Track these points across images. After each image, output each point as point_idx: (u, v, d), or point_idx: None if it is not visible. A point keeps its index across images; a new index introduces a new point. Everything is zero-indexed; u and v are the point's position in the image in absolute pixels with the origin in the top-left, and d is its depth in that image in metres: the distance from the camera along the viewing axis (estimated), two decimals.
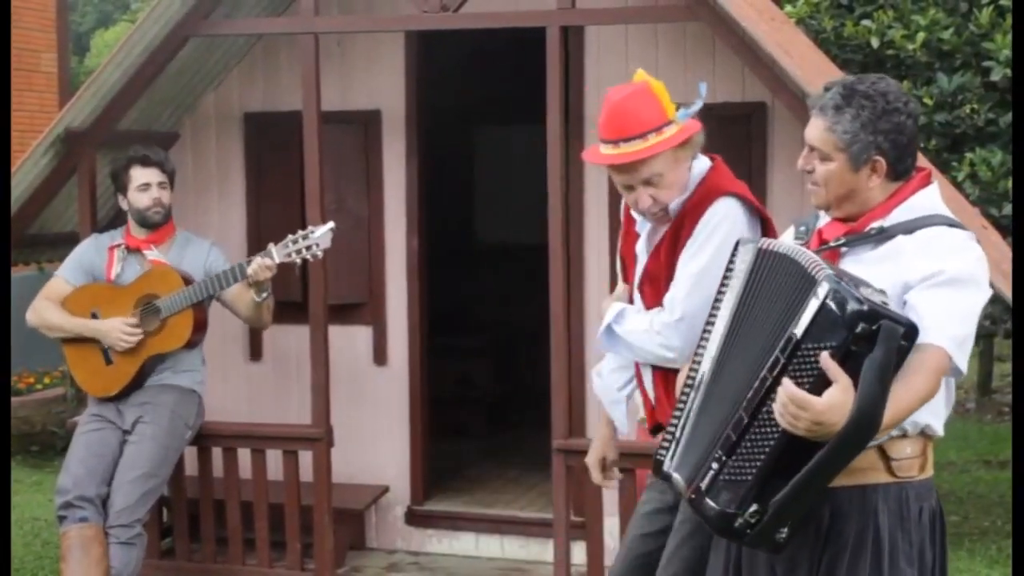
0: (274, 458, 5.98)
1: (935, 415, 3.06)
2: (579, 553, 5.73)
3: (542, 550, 6.40)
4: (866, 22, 7.38)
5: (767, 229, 3.63)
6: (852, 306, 2.74)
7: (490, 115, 9.67)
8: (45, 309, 5.62)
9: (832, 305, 2.75)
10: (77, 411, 7.26)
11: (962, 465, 9.59)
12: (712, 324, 3.09)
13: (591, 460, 4.07)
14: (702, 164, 3.67)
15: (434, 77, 6.92)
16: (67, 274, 5.69)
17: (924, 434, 3.07)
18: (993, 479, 8.84)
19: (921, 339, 2.85)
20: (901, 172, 3.10)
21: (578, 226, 6.29)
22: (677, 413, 3.12)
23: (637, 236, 3.78)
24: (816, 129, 3.09)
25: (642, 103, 3.59)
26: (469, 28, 5.86)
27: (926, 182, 3.13)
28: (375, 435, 6.65)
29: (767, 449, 2.85)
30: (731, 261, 3.12)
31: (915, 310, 2.90)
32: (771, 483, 2.83)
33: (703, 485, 2.94)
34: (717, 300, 3.11)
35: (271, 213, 6.67)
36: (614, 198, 6.28)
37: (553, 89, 5.51)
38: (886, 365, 2.75)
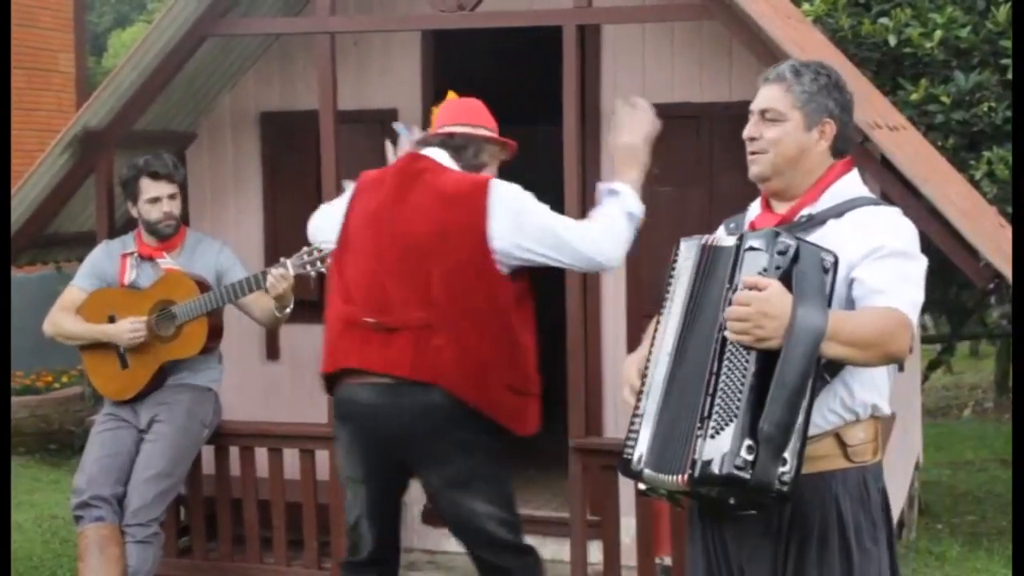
0: (291, 457, 5.99)
1: (881, 395, 3.16)
2: (596, 552, 5.72)
3: (559, 549, 6.39)
4: (883, 20, 7.37)
5: None
6: (767, 236, 2.98)
7: (506, 114, 9.65)
8: (61, 319, 5.64)
9: (752, 242, 2.99)
10: (95, 410, 7.27)
11: (980, 464, 9.58)
12: (660, 323, 3.18)
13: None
14: None
15: (450, 76, 6.92)
16: (81, 282, 5.70)
17: (874, 417, 3.16)
18: (1011, 478, 8.81)
19: (875, 303, 2.98)
20: (840, 149, 3.24)
21: None
22: (637, 412, 3.13)
23: None
24: (769, 92, 3.25)
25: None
26: (485, 27, 5.85)
27: (849, 167, 3.26)
28: None
29: (741, 387, 2.91)
30: (673, 259, 3.21)
31: (865, 283, 3.02)
32: (754, 417, 2.88)
33: (697, 457, 2.92)
34: (664, 298, 3.19)
35: (287, 213, 6.68)
36: None
37: (569, 88, 5.50)
38: (813, 271, 2.92)
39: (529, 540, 6.58)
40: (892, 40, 7.26)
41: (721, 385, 2.94)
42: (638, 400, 3.14)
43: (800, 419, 2.91)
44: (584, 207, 5.83)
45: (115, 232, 6.08)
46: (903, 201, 5.41)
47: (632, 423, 3.13)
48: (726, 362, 2.94)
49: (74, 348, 5.80)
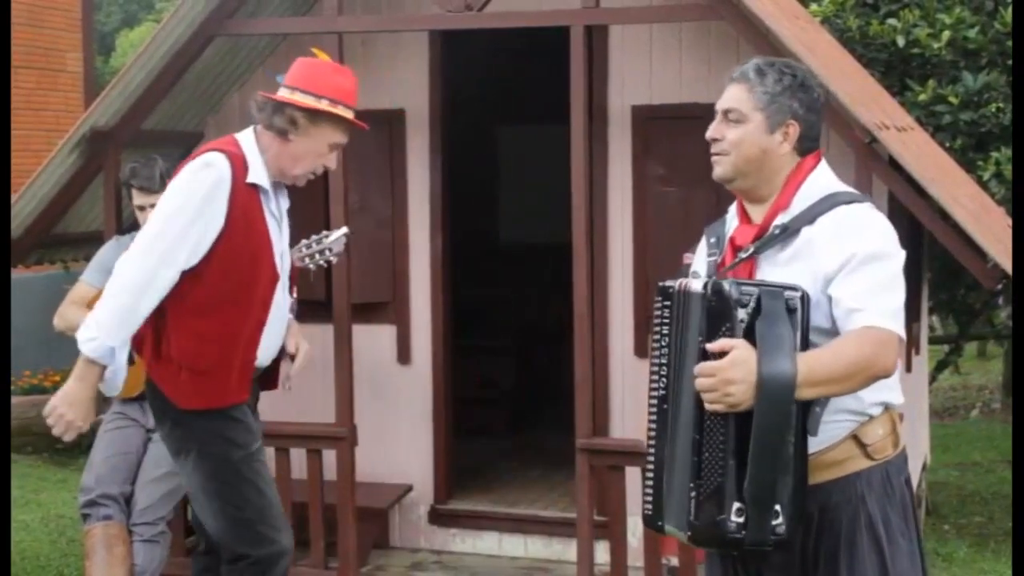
0: (298, 457, 5.99)
1: (890, 389, 3.13)
2: (602, 552, 5.72)
3: (565, 549, 6.40)
4: (891, 21, 7.36)
5: None
6: (727, 286, 2.93)
7: (514, 114, 9.66)
8: (70, 314, 5.64)
9: (714, 297, 2.94)
10: (102, 409, 7.28)
11: (987, 465, 9.57)
12: (656, 375, 3.14)
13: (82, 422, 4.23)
14: None
15: (458, 76, 6.93)
16: (90, 278, 5.71)
17: (888, 411, 3.14)
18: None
19: (851, 323, 2.96)
20: (807, 147, 3.18)
21: (602, 225, 6.28)
22: (649, 466, 3.14)
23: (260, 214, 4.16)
24: (733, 92, 3.20)
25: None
26: (493, 28, 5.86)
27: (817, 161, 3.21)
28: (398, 434, 6.66)
29: (723, 447, 2.91)
30: (655, 303, 3.18)
31: (842, 302, 2.99)
32: (739, 477, 2.89)
33: (691, 518, 2.97)
34: (654, 351, 3.16)
35: (294, 212, 6.65)
36: (638, 197, 6.29)
37: (577, 88, 5.51)
38: (776, 320, 2.89)
39: (536, 540, 6.63)
40: (900, 41, 7.25)
41: (705, 447, 2.95)
42: (647, 451, 3.15)
43: (788, 468, 2.91)
44: (591, 206, 5.84)
45: (123, 231, 6.09)
46: (911, 202, 5.41)
47: (645, 475, 3.15)
48: (707, 423, 2.94)
49: None
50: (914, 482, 7.06)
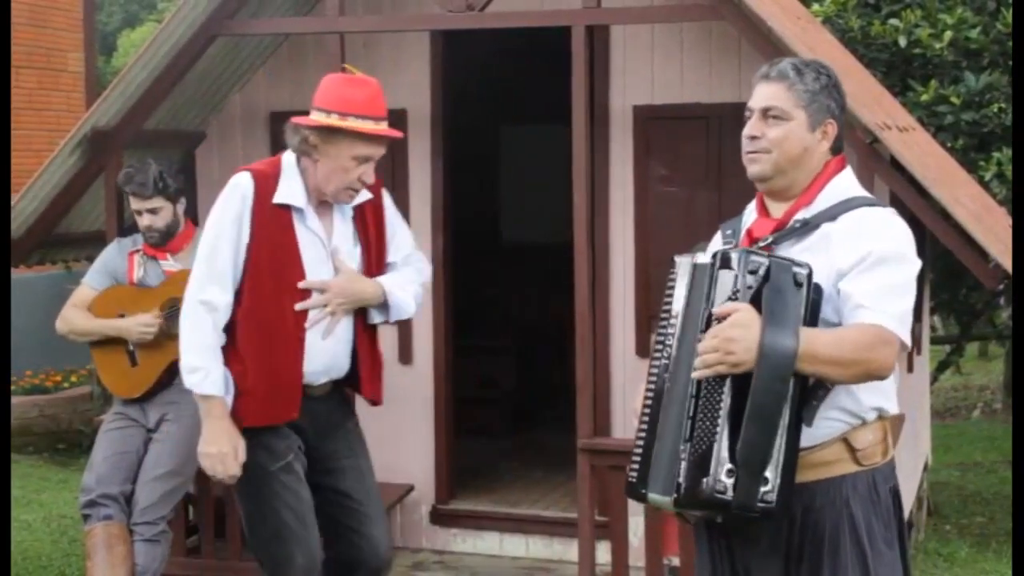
0: None
1: (886, 397, 3.14)
2: (603, 553, 5.72)
3: (566, 549, 6.40)
4: (893, 21, 7.36)
5: None
6: (736, 253, 2.99)
7: (515, 114, 9.67)
8: (72, 316, 5.65)
9: (723, 264, 3.00)
10: (103, 409, 7.29)
11: (988, 466, 9.57)
12: (660, 345, 3.15)
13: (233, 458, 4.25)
14: None
15: (459, 77, 6.93)
16: (92, 280, 5.71)
17: (881, 418, 3.14)
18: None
19: (859, 319, 2.97)
20: (837, 147, 3.22)
21: (603, 225, 6.28)
22: (640, 434, 3.13)
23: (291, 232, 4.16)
24: (772, 90, 3.19)
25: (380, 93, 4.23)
26: (495, 28, 5.86)
27: (842, 166, 3.23)
28: (400, 434, 6.66)
29: (718, 410, 2.94)
30: (670, 276, 3.20)
31: (851, 297, 3.00)
32: (732, 440, 2.92)
33: (680, 480, 2.97)
34: (662, 322, 3.18)
35: None
36: (639, 197, 6.29)
37: (578, 88, 5.51)
38: (783, 290, 2.92)
39: (537, 540, 6.63)
40: (902, 41, 7.25)
41: (700, 409, 2.97)
42: (640, 421, 3.15)
43: (781, 437, 2.93)
44: (592, 206, 5.84)
45: (124, 231, 6.09)
46: (913, 202, 5.40)
47: (636, 443, 3.14)
48: (704, 385, 2.96)
49: (83, 347, 5.81)
50: (915, 483, 7.07)
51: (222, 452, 4.09)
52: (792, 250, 3.11)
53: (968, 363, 14.49)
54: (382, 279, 4.31)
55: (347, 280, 4.22)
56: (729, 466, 2.91)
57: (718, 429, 2.93)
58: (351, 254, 4.26)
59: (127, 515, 5.37)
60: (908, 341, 3.02)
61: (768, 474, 2.92)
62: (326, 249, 4.21)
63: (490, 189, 10.21)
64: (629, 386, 6.31)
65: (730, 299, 2.96)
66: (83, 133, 6.18)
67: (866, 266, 3.01)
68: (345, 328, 4.26)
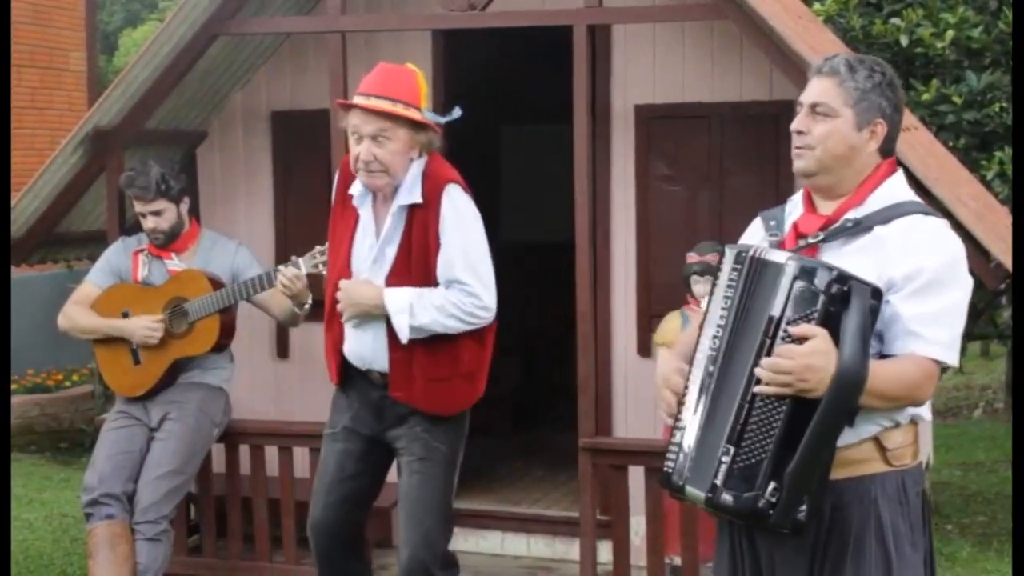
0: (301, 456, 5.99)
1: (925, 405, 3.13)
2: (605, 552, 5.72)
3: (568, 549, 6.40)
4: (895, 20, 7.36)
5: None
6: (823, 272, 2.90)
7: (517, 113, 9.67)
8: (75, 313, 5.66)
9: (804, 277, 2.90)
10: (105, 408, 7.29)
11: (990, 465, 9.56)
12: (705, 338, 3.09)
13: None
14: (420, 162, 4.34)
15: (461, 76, 6.93)
16: (96, 278, 5.72)
17: (913, 422, 3.13)
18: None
19: (912, 350, 2.96)
20: (888, 149, 3.16)
21: (604, 224, 6.28)
22: (679, 425, 3.10)
23: (355, 221, 4.38)
24: (822, 86, 3.13)
25: (406, 80, 4.29)
26: (496, 27, 5.85)
27: (893, 168, 3.18)
28: None
29: (775, 426, 2.91)
30: (719, 265, 3.13)
31: (901, 320, 2.97)
32: (782, 459, 2.90)
33: (717, 481, 2.96)
34: (708, 312, 3.11)
35: (299, 211, 6.69)
36: (641, 196, 6.29)
37: (580, 88, 5.50)
38: (862, 319, 2.87)
39: (539, 539, 6.63)
40: (903, 40, 7.24)
41: (752, 419, 2.92)
42: (678, 412, 3.11)
43: (829, 461, 2.94)
44: (594, 205, 5.84)
45: (125, 231, 6.09)
46: None
47: (673, 435, 3.10)
48: (759, 398, 2.92)
49: (85, 346, 5.82)
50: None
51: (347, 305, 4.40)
52: (842, 250, 3.07)
53: (970, 362, 14.47)
54: (396, 294, 4.27)
55: (353, 284, 4.34)
56: (775, 484, 2.90)
57: (771, 445, 2.90)
58: (390, 252, 4.33)
59: (129, 514, 5.37)
60: (957, 364, 3.03)
61: (806, 496, 2.92)
62: (375, 242, 4.34)
63: (491, 188, 10.20)
64: (631, 385, 6.31)
65: (807, 318, 2.89)
66: (85, 132, 6.18)
67: (919, 286, 2.97)
68: (373, 327, 4.35)
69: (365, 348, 4.38)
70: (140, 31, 25.30)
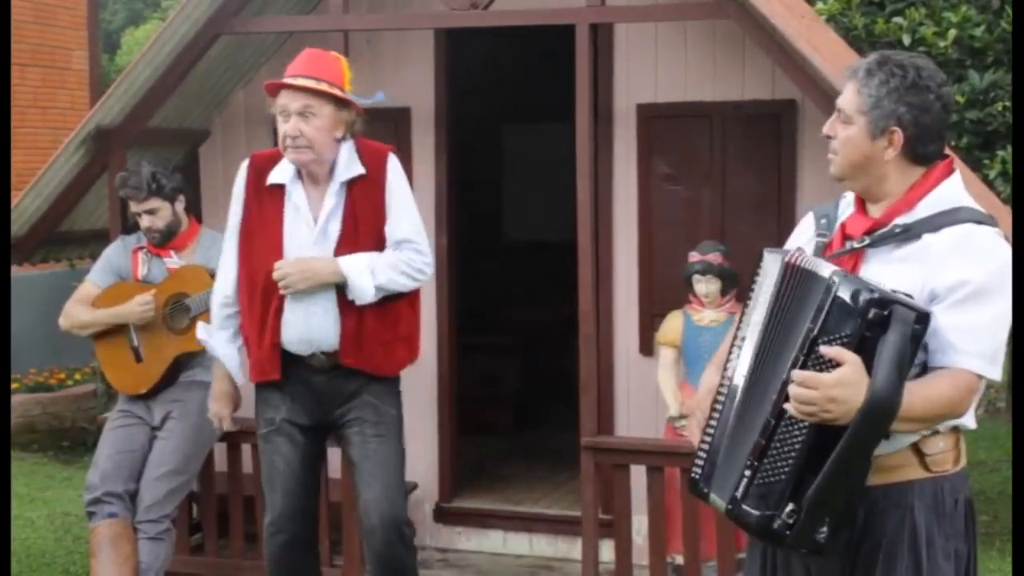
0: None
1: (968, 413, 3.02)
2: (607, 551, 5.72)
3: (570, 548, 6.40)
4: (897, 19, 7.35)
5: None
6: (863, 294, 2.78)
7: (519, 112, 9.67)
8: (75, 311, 5.66)
9: (843, 296, 2.79)
10: (108, 407, 7.29)
11: (992, 464, 9.55)
12: (742, 341, 3.04)
13: (223, 415, 4.99)
14: (350, 142, 4.57)
15: (463, 75, 6.93)
16: (96, 277, 5.72)
17: (956, 429, 3.04)
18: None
19: (951, 362, 2.88)
20: (922, 156, 3.02)
21: (607, 224, 6.28)
22: (709, 431, 3.07)
23: (277, 209, 4.57)
24: (847, 89, 3.06)
25: (330, 63, 4.56)
26: (498, 26, 5.85)
27: (949, 171, 3.06)
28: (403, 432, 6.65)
29: (796, 446, 2.85)
30: (757, 269, 3.07)
31: (941, 333, 2.89)
32: (804, 480, 2.83)
33: (738, 494, 2.92)
34: (744, 314, 3.07)
35: None
36: (643, 195, 6.28)
37: (582, 87, 5.50)
38: (900, 347, 2.77)
39: (541, 538, 6.63)
40: (906, 39, 7.23)
41: (777, 437, 2.87)
42: (711, 416, 3.07)
43: (854, 486, 2.86)
44: (596, 204, 5.84)
45: (127, 229, 6.09)
46: None
47: (703, 440, 3.07)
48: (787, 416, 2.85)
49: (87, 345, 5.82)
50: None
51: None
52: (890, 255, 2.99)
53: None
54: (351, 259, 4.47)
55: (300, 258, 4.49)
56: (793, 506, 2.85)
57: (791, 467, 2.85)
58: (333, 228, 4.51)
59: (131, 513, 5.38)
60: (998, 376, 2.94)
61: (828, 518, 2.86)
62: (311, 223, 4.51)
63: (493, 187, 10.21)
64: (633, 384, 6.31)
65: (841, 340, 2.79)
66: (87, 131, 6.18)
67: (961, 297, 2.88)
68: (322, 302, 4.49)
69: (313, 327, 4.50)
70: (142, 30, 25.28)
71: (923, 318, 2.81)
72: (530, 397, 9.11)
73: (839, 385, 2.75)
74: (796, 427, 2.84)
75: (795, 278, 2.94)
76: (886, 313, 2.77)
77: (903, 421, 2.82)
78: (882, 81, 2.99)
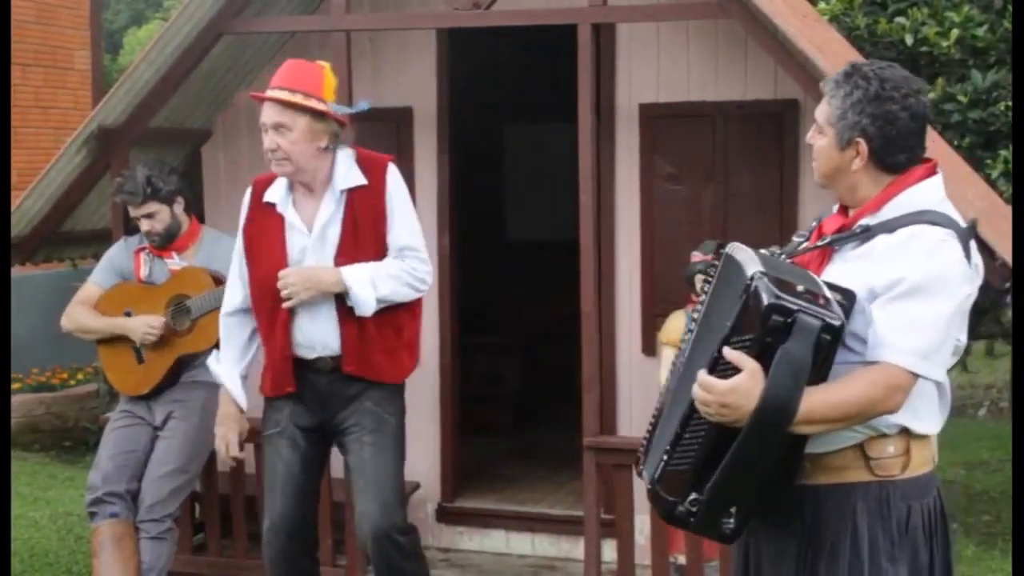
0: None
1: (914, 416, 3.01)
2: (609, 551, 5.72)
3: (572, 547, 6.40)
4: (900, 19, 7.35)
5: None
6: (766, 299, 2.79)
7: (521, 112, 9.67)
8: (78, 314, 5.66)
9: (754, 299, 2.82)
10: (110, 407, 7.29)
11: (995, 464, 9.55)
12: (688, 331, 3.15)
13: (229, 439, 4.82)
14: (348, 152, 4.54)
15: (465, 75, 6.93)
16: (98, 278, 5.72)
17: (907, 433, 3.03)
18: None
19: (878, 356, 2.89)
20: (892, 165, 3.03)
21: (609, 223, 6.28)
22: (653, 416, 3.18)
23: (278, 225, 4.57)
24: (821, 102, 3.11)
25: (310, 73, 4.49)
26: (500, 26, 5.85)
27: (926, 175, 3.05)
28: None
29: (700, 439, 2.93)
30: (716, 264, 3.15)
31: (875, 328, 2.91)
32: (706, 472, 2.91)
33: (655, 475, 3.02)
34: (697, 306, 3.16)
35: None
36: (645, 195, 6.28)
37: (584, 87, 5.50)
38: (798, 356, 2.78)
39: (543, 538, 6.63)
40: (908, 39, 7.23)
41: (689, 428, 2.95)
42: (659, 401, 3.18)
43: (756, 481, 2.92)
44: (598, 204, 5.84)
45: (129, 230, 6.09)
46: None
47: (649, 421, 3.19)
48: (697, 412, 2.92)
49: (89, 345, 5.82)
50: None
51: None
52: (848, 254, 3.03)
53: (974, 361, 14.44)
54: (354, 270, 4.47)
55: (303, 268, 4.51)
56: (695, 496, 2.93)
57: (693, 458, 2.93)
58: (332, 233, 4.52)
59: (133, 513, 5.38)
60: (938, 377, 2.94)
61: (733, 509, 2.93)
62: (304, 231, 4.53)
63: (495, 187, 10.21)
64: (635, 384, 6.32)
65: (744, 345, 2.82)
66: (89, 131, 6.19)
67: (895, 294, 2.89)
68: (325, 310, 4.51)
69: (317, 333, 4.53)
70: (145, 30, 25.31)
71: (830, 328, 2.80)
72: (531, 397, 9.11)
73: (731, 392, 2.81)
74: (703, 422, 2.92)
75: (730, 274, 3.00)
76: (788, 320, 2.78)
77: (805, 424, 2.85)
78: (847, 93, 3.01)
